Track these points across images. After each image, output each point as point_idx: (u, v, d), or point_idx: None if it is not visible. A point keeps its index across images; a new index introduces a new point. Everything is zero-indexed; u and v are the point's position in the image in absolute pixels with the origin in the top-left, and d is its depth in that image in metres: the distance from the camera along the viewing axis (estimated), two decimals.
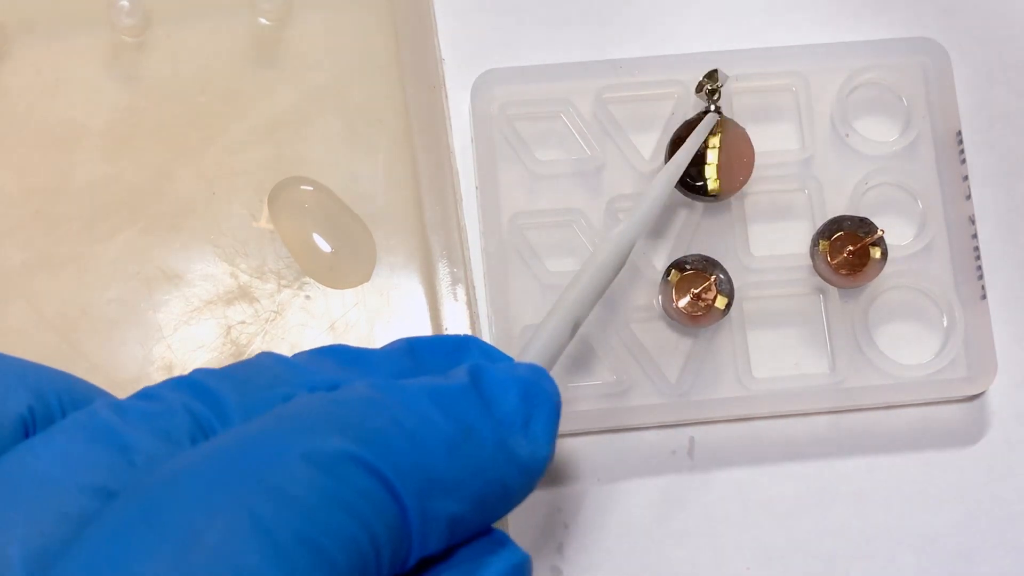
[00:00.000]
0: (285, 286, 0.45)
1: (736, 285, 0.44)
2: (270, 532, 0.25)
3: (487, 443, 0.30)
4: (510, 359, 0.35)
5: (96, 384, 0.45)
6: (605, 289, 0.39)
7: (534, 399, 0.32)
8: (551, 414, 0.33)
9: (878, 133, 0.47)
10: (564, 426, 0.43)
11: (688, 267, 0.44)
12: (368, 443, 0.28)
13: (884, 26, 0.48)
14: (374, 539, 0.27)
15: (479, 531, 0.31)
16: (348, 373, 0.33)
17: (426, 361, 0.34)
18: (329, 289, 0.45)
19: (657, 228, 0.46)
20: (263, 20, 0.47)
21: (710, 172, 0.44)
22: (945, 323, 0.46)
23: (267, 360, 0.32)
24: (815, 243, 0.45)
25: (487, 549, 0.31)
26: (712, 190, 0.44)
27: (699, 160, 0.44)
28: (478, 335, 0.45)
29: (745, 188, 0.45)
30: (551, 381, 0.33)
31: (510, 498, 0.31)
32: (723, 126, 0.44)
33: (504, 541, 0.31)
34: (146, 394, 0.30)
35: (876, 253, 0.44)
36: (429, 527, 0.28)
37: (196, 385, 0.30)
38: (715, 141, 0.44)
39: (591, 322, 0.44)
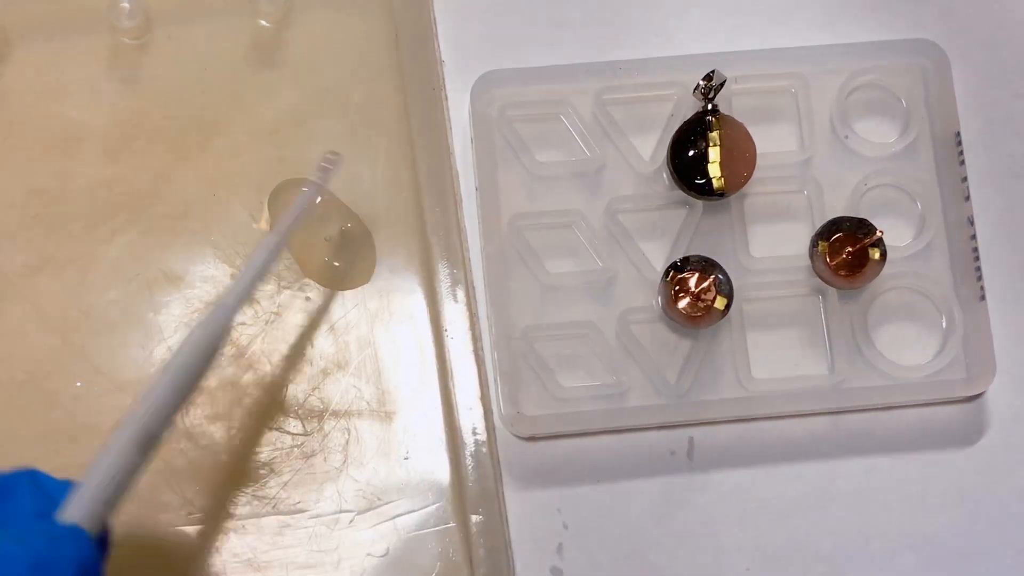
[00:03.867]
0: (285, 287, 0.45)
1: (736, 286, 0.44)
2: None
3: None
4: (62, 493, 0.32)
5: (97, 385, 0.45)
6: (190, 390, 0.34)
7: (47, 572, 0.30)
8: None
9: (877, 134, 0.47)
10: (564, 426, 0.44)
11: (688, 268, 0.44)
12: None
13: (883, 28, 0.48)
14: None
15: None
16: None
17: None
18: (329, 291, 0.45)
19: (657, 229, 0.46)
20: (263, 22, 0.47)
21: (713, 170, 0.44)
22: (944, 324, 0.46)
23: None
24: (814, 244, 0.45)
25: None
26: (717, 188, 0.44)
27: (701, 159, 0.44)
28: (478, 336, 0.45)
29: (744, 189, 0.45)
30: (80, 544, 0.31)
31: None
32: (722, 123, 0.44)
33: None
34: None
35: (875, 254, 0.44)
36: None
37: None
38: (715, 138, 0.44)
39: (591, 323, 0.44)
